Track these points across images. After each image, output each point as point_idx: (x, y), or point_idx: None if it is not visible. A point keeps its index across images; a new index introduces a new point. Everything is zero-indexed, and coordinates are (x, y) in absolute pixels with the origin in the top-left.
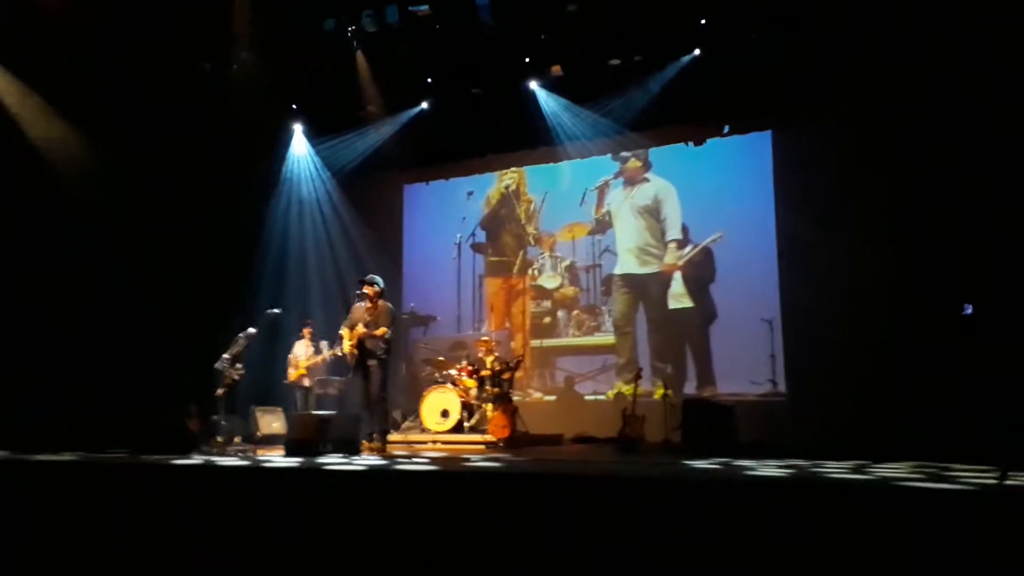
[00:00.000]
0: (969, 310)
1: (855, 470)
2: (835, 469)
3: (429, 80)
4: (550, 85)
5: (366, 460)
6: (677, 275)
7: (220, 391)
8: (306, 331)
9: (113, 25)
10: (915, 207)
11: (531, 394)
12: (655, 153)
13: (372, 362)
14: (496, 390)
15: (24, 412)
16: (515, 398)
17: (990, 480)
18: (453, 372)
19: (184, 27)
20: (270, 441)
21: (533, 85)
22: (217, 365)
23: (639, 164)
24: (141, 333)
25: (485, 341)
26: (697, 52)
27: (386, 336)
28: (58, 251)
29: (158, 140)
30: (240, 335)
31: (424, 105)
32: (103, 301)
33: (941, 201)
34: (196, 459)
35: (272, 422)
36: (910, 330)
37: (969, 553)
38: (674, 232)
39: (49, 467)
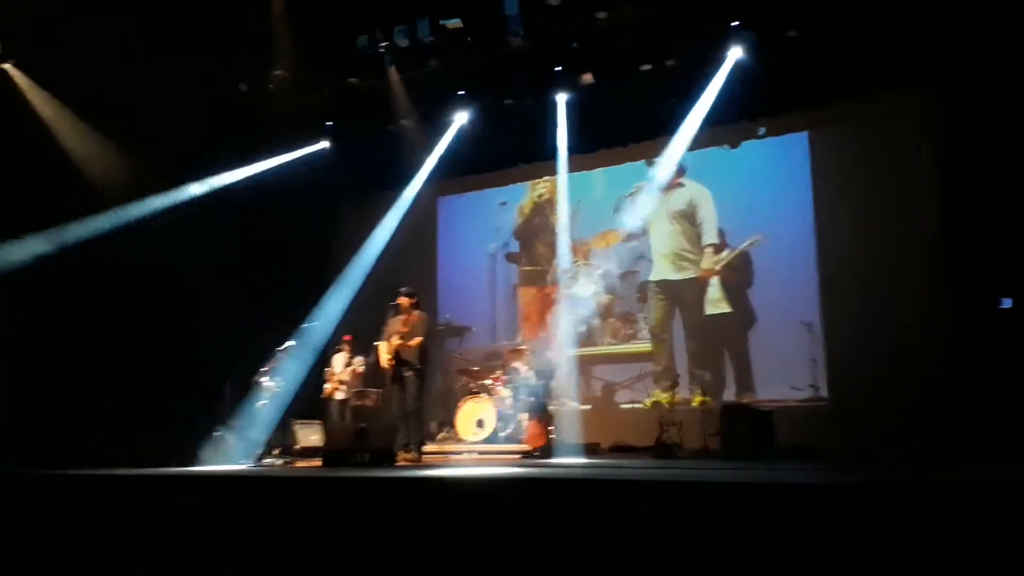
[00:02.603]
0: (1008, 303)
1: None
2: (876, 473)
3: (461, 92)
4: (582, 93)
5: (401, 470)
6: (714, 280)
7: (259, 404)
8: (345, 345)
9: (151, 44)
10: (958, 204)
11: (567, 403)
12: (689, 157)
13: (408, 373)
14: (531, 399)
15: (61, 428)
16: (550, 407)
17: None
18: (488, 382)
19: (223, 47)
20: (308, 453)
21: (565, 93)
22: (256, 378)
23: (673, 169)
24: (180, 348)
25: (520, 351)
26: (730, 54)
27: (421, 346)
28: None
29: (191, 155)
30: (278, 349)
31: (457, 117)
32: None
33: (985, 197)
34: (236, 470)
35: (310, 435)
36: (955, 330)
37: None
38: (710, 237)
39: (88, 481)
